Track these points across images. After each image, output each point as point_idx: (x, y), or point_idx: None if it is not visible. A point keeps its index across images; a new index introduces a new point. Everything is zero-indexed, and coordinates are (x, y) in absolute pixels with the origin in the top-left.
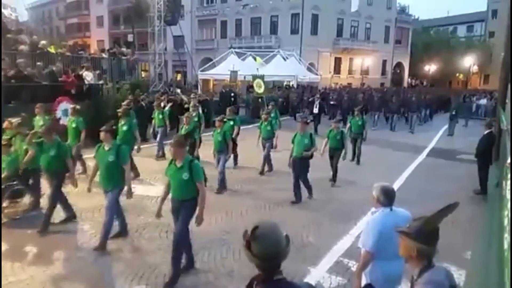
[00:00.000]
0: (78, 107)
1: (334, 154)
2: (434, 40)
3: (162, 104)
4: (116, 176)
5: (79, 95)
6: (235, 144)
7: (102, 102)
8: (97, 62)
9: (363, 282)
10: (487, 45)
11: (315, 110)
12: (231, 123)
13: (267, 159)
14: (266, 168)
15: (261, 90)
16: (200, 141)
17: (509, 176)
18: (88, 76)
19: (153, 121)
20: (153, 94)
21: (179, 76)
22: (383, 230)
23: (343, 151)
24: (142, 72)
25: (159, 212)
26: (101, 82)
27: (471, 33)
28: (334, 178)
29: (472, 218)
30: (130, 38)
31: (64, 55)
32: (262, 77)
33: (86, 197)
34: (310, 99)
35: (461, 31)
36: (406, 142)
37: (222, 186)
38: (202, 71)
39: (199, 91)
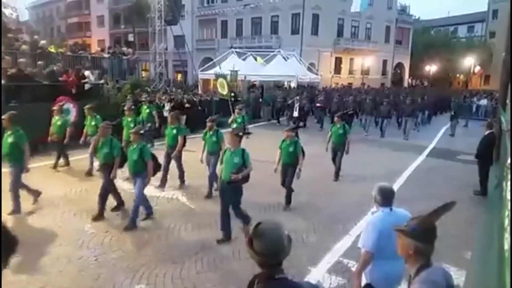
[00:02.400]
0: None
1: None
2: (434, 40)
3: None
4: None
5: (79, 95)
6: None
7: (102, 101)
8: (98, 61)
9: (363, 282)
10: (487, 45)
11: (295, 114)
12: (174, 131)
13: (214, 179)
14: (214, 186)
15: (225, 92)
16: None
17: (509, 176)
18: (89, 76)
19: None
20: (153, 94)
21: (179, 76)
22: (383, 230)
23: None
24: (143, 72)
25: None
26: (101, 81)
27: (471, 33)
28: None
29: (472, 219)
30: (130, 37)
31: (64, 54)
32: (225, 76)
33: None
34: (289, 101)
35: (462, 31)
36: (407, 142)
37: (132, 224)
38: (202, 70)
39: (200, 91)
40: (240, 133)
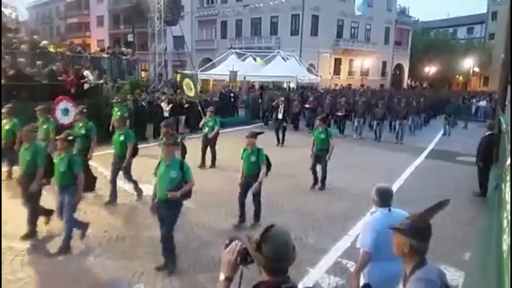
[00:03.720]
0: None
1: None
2: (434, 41)
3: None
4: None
5: (78, 95)
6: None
7: (102, 101)
8: (97, 61)
9: (361, 282)
10: (487, 47)
11: (279, 116)
12: (122, 138)
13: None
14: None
15: (192, 93)
16: None
17: (508, 178)
18: (88, 76)
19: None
20: (152, 94)
21: (178, 77)
22: (381, 230)
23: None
24: (142, 72)
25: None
26: (101, 81)
27: (471, 35)
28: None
29: (472, 220)
30: (130, 38)
31: (64, 54)
32: (191, 76)
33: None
34: (274, 103)
35: (461, 33)
36: (405, 144)
37: (66, 248)
38: (202, 71)
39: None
40: (176, 142)
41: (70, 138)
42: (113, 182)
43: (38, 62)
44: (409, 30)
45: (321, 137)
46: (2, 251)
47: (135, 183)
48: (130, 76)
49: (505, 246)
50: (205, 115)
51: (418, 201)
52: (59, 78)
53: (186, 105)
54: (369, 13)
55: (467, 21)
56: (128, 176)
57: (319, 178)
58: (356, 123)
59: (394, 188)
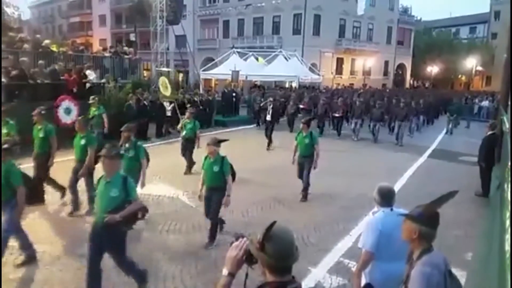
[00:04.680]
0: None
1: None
2: (436, 41)
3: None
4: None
5: (80, 94)
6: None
7: (104, 101)
8: (99, 61)
9: (363, 282)
10: (489, 46)
11: (268, 117)
12: (83, 142)
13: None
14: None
15: (168, 92)
16: None
17: (510, 178)
18: (91, 75)
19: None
20: (155, 93)
21: (181, 76)
22: (383, 230)
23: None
24: (144, 72)
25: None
26: (103, 81)
27: (473, 34)
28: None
29: (474, 220)
30: (132, 37)
31: (66, 53)
32: (166, 74)
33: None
34: (262, 104)
35: (464, 32)
36: (407, 143)
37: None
38: (204, 70)
39: (201, 91)
40: (118, 154)
41: (5, 146)
42: (73, 190)
43: (40, 62)
44: (411, 29)
45: (305, 143)
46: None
47: (91, 197)
48: (132, 75)
49: (508, 246)
50: (183, 115)
51: (420, 201)
52: (61, 77)
53: (188, 105)
54: (371, 12)
55: (469, 20)
56: (88, 183)
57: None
58: (353, 124)
59: (396, 187)
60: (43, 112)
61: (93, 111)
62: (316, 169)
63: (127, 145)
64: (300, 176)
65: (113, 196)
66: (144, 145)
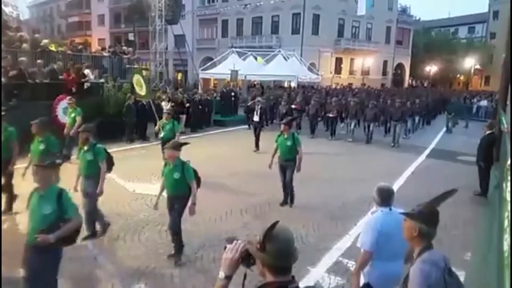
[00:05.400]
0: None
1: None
2: (435, 41)
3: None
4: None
5: (79, 94)
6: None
7: (102, 100)
8: (98, 60)
9: (362, 281)
10: (488, 46)
11: (256, 118)
12: (41, 147)
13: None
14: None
15: (143, 92)
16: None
17: (509, 177)
18: (89, 75)
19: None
20: (153, 93)
21: (179, 75)
22: (382, 229)
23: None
24: (143, 71)
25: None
26: (101, 80)
27: (472, 34)
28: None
29: (472, 219)
30: (131, 36)
31: (65, 53)
32: (140, 72)
33: None
34: (249, 104)
35: (462, 32)
36: (406, 143)
37: None
38: (203, 70)
39: (200, 90)
40: (54, 163)
41: None
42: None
43: (39, 61)
44: (410, 29)
45: (286, 145)
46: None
47: None
48: (131, 75)
49: (506, 246)
50: (160, 118)
51: (419, 201)
52: (60, 77)
53: (187, 104)
54: (370, 12)
55: (468, 20)
56: None
57: (287, 192)
58: (347, 125)
59: (395, 187)
60: (2, 113)
61: (69, 113)
62: (299, 171)
63: (85, 147)
64: (283, 181)
65: (45, 213)
66: (144, 145)
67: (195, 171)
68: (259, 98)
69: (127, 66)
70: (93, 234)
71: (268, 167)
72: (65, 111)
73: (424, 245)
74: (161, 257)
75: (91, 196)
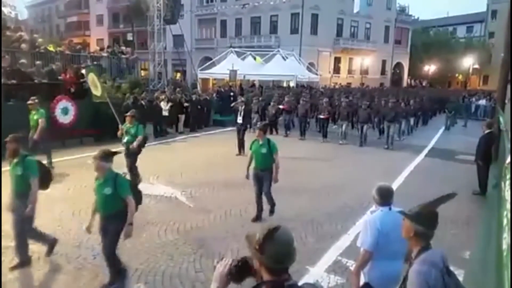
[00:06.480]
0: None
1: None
2: (433, 40)
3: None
4: None
5: (78, 94)
6: None
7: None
8: (97, 60)
9: (362, 281)
10: (486, 45)
11: (239, 120)
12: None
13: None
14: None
15: (98, 92)
16: None
17: (508, 176)
18: None
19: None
20: (152, 93)
21: (178, 75)
22: (382, 229)
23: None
24: (142, 71)
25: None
26: (100, 80)
27: (470, 33)
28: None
29: (471, 218)
30: (129, 36)
31: (63, 53)
32: (93, 70)
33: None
34: (232, 104)
35: (461, 31)
36: (405, 143)
37: None
38: (201, 70)
39: (199, 90)
40: None
41: None
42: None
43: (38, 62)
44: (408, 28)
45: (261, 152)
46: (2, 251)
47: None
48: (129, 75)
49: (505, 245)
50: (123, 121)
51: (418, 200)
52: (59, 77)
53: (186, 104)
54: (369, 12)
55: (466, 19)
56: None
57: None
58: (339, 126)
59: (394, 186)
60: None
61: (32, 114)
62: (276, 182)
63: (15, 160)
64: (259, 193)
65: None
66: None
67: (133, 185)
68: (242, 98)
69: (129, 65)
70: (24, 262)
71: (246, 177)
72: (64, 111)
73: (422, 246)
74: (160, 257)
75: (23, 217)
